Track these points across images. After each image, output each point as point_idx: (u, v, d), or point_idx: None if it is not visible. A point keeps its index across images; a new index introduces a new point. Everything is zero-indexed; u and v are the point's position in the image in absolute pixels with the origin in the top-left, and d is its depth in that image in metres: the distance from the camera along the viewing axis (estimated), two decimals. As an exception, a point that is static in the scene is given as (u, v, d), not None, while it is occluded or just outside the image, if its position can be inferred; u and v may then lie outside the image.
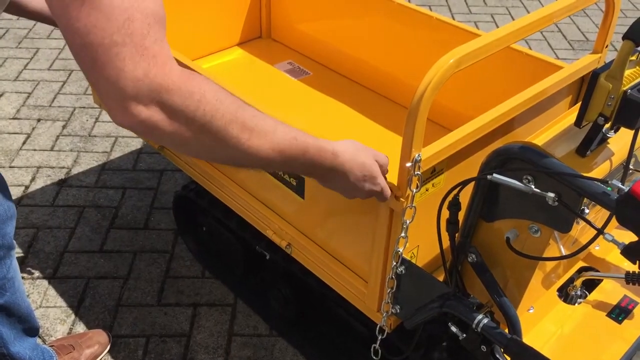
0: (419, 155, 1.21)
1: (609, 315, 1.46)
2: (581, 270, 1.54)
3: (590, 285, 1.55)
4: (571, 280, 1.52)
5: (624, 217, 0.99)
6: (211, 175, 1.84)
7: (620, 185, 0.99)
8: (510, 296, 1.29)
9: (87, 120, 3.04)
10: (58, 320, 2.08)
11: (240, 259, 2.09)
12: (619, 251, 1.03)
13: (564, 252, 1.44)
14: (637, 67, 1.06)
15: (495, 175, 1.11)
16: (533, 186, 1.08)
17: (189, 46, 2.41)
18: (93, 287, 2.20)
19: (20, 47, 3.63)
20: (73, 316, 2.10)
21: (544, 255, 1.20)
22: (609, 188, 1.00)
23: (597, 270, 1.54)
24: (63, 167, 2.74)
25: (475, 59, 1.20)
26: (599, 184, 1.02)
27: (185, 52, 2.37)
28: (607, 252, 1.61)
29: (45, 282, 2.21)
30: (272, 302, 2.04)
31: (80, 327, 2.06)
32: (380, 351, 1.48)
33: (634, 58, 1.08)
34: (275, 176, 1.61)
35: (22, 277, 2.20)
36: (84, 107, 3.12)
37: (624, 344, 1.39)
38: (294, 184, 1.57)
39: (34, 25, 3.84)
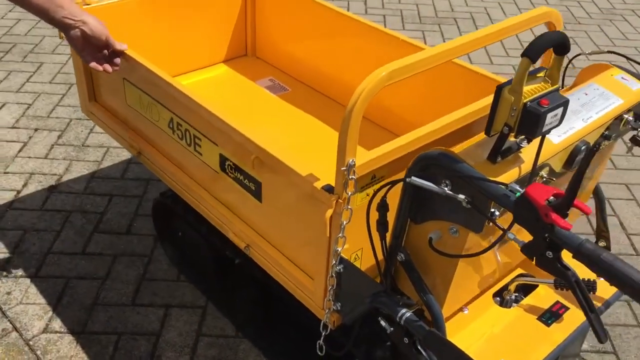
0: (352, 160, 1.32)
1: (539, 318, 1.54)
2: (517, 276, 1.63)
3: (529, 290, 1.64)
4: (507, 285, 1.61)
5: (520, 216, 1.09)
6: (182, 181, 1.96)
7: (518, 188, 1.09)
8: (436, 294, 1.38)
9: (81, 131, 3.18)
10: (36, 317, 2.19)
11: (210, 263, 2.19)
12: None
13: (499, 258, 1.53)
14: (542, 83, 1.16)
15: (413, 178, 1.21)
16: (447, 189, 1.18)
17: (176, 61, 2.54)
18: (72, 286, 2.31)
19: (25, 61, 3.80)
20: (50, 313, 2.20)
21: (476, 258, 1.30)
22: (517, 193, 1.10)
23: (533, 277, 1.62)
24: (55, 174, 2.87)
25: (406, 73, 1.30)
26: (502, 186, 1.12)
27: (173, 66, 2.52)
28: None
29: (27, 281, 2.32)
30: (239, 305, 2.13)
31: (57, 324, 2.16)
32: (324, 347, 1.57)
33: (541, 75, 1.19)
34: (237, 181, 1.72)
35: (5, 276, 2.32)
36: (80, 119, 3.26)
37: (550, 345, 1.47)
38: (253, 188, 1.68)
39: (41, 40, 4.02)
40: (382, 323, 1.38)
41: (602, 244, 1.77)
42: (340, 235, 1.40)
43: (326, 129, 2.29)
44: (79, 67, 2.22)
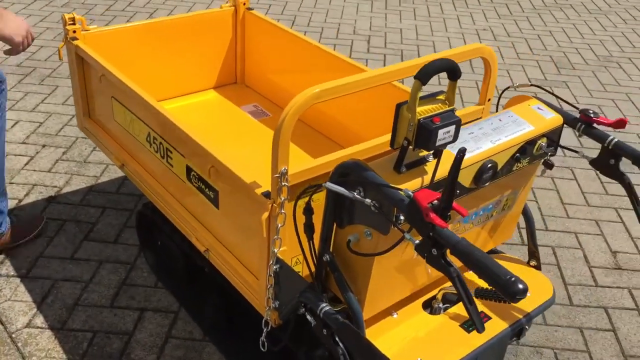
0: (285, 169, 1.49)
1: (461, 325, 1.67)
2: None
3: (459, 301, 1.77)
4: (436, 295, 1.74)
5: (410, 217, 1.24)
6: (157, 191, 2.15)
7: (410, 192, 1.25)
8: (358, 293, 1.53)
9: (85, 149, 3.41)
10: (21, 313, 2.37)
11: (182, 270, 2.36)
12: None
13: (429, 270, 1.68)
14: (440, 104, 1.33)
15: (328, 183, 1.38)
16: (356, 194, 1.34)
17: (169, 85, 2.77)
18: (58, 287, 2.50)
19: (42, 84, 4.08)
20: (35, 310, 2.38)
21: (401, 261, 1.45)
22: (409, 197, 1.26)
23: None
24: (55, 187, 3.09)
25: (333, 94, 1.49)
26: (400, 192, 1.28)
27: (166, 90, 2.76)
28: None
29: (17, 280, 2.52)
30: (206, 311, 2.29)
31: (39, 320, 2.34)
32: (266, 343, 1.72)
33: (441, 97, 1.36)
34: (200, 190, 1.90)
35: (-1, 275, 2.52)
36: (85, 138, 3.49)
37: (467, 349, 1.60)
38: (212, 196, 1.86)
39: (59, 66, 4.31)
40: (308, 317, 1.53)
41: (532, 263, 1.90)
42: (276, 237, 1.56)
43: (295, 150, 2.47)
44: (76, 86, 2.45)
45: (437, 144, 1.30)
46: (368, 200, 1.33)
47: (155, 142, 2.07)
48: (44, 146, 3.42)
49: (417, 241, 1.27)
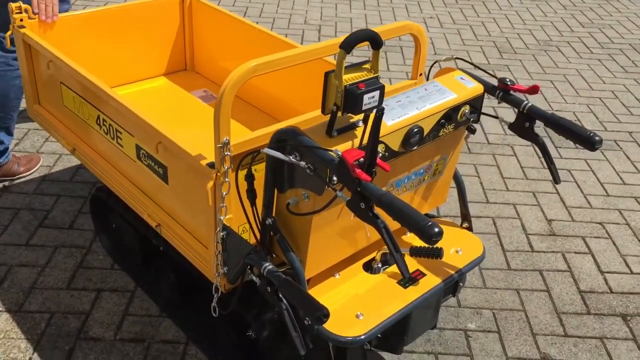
0: (226, 139, 1.59)
1: (399, 282, 1.80)
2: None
3: None
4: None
5: (339, 175, 1.36)
6: (109, 172, 2.22)
7: (339, 152, 1.36)
8: (300, 253, 1.64)
9: (37, 140, 3.43)
10: (-22, 297, 2.41)
11: (138, 250, 2.44)
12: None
13: (368, 232, 1.80)
14: (365, 72, 1.45)
15: (266, 149, 1.48)
16: (292, 158, 1.45)
17: (119, 72, 2.83)
18: (14, 272, 2.54)
19: None
20: (-9, 294, 2.43)
21: (339, 223, 1.57)
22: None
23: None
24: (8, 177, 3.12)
25: (269, 68, 1.59)
26: (329, 152, 1.39)
27: (116, 76, 2.81)
28: (414, 238, 1.97)
29: (-27, 267, 2.55)
30: (162, 287, 2.37)
31: (-4, 304, 2.39)
32: (217, 308, 1.82)
33: (367, 66, 1.48)
34: (150, 167, 1.98)
35: (-48, 261, 2.55)
36: (37, 129, 3.52)
37: (402, 302, 1.73)
38: (161, 172, 1.94)
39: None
40: (253, 278, 1.63)
41: (465, 225, 2.05)
42: (221, 205, 1.66)
43: (236, 126, 2.57)
44: (25, 74, 2.50)
45: (363, 108, 1.41)
46: (302, 163, 1.44)
47: (105, 124, 2.14)
48: (-5, 138, 3.43)
49: (347, 198, 1.39)
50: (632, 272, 2.73)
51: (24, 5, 2.43)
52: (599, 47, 5.24)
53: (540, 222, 3.03)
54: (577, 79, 4.63)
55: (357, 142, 1.50)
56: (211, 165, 1.66)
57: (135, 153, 2.03)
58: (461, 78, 1.78)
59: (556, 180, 1.81)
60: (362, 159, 1.32)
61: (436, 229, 1.23)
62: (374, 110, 1.39)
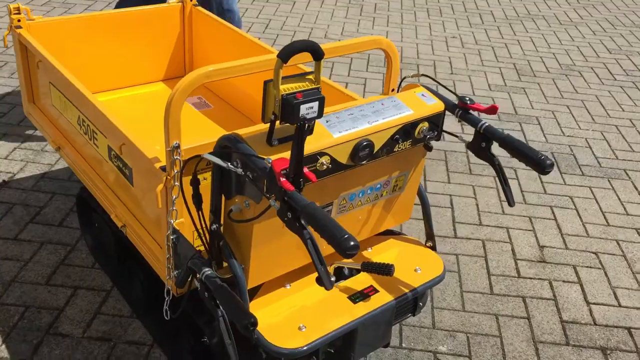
0: (176, 142, 1.60)
1: (349, 297, 1.78)
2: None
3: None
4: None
5: (270, 184, 1.35)
6: (86, 172, 2.26)
7: (269, 159, 1.36)
8: (243, 261, 1.64)
9: (44, 138, 3.53)
10: (-41, 287, 2.48)
11: (114, 250, 2.47)
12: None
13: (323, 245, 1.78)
14: (307, 83, 1.44)
15: (206, 154, 1.49)
16: (230, 165, 1.45)
17: (118, 75, 2.89)
18: (-2, 265, 2.61)
19: (12, 77, 4.20)
20: (-27, 285, 2.50)
21: (286, 233, 1.56)
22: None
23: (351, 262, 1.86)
24: (9, 172, 3.20)
25: (223, 75, 1.60)
26: (263, 160, 1.39)
27: (113, 80, 2.88)
28: (375, 254, 1.94)
29: (-40, 257, 2.63)
30: (133, 288, 2.40)
31: (-24, 294, 2.45)
32: (169, 312, 1.82)
33: (310, 77, 1.47)
34: (118, 168, 2.01)
35: (-60, 250, 2.62)
36: (45, 128, 3.62)
37: (348, 317, 1.70)
38: (127, 173, 1.97)
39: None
40: (196, 283, 1.64)
41: (429, 244, 2.01)
42: (172, 208, 1.67)
43: (212, 127, 2.59)
44: (21, 73, 2.57)
45: (302, 118, 1.40)
46: (239, 170, 1.44)
47: (84, 124, 2.18)
48: (4, 134, 3.53)
49: (278, 207, 1.38)
50: (619, 305, 2.63)
51: (22, 7, 2.51)
52: (624, 74, 5.11)
53: (532, 248, 2.95)
54: (595, 105, 4.52)
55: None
56: (163, 168, 1.68)
57: (107, 154, 2.07)
58: (422, 95, 1.76)
59: (510, 202, 1.76)
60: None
61: (351, 243, 1.21)
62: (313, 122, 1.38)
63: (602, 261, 2.90)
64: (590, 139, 4.05)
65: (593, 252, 2.95)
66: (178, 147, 1.61)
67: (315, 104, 1.42)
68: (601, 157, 3.82)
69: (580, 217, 3.22)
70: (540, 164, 1.59)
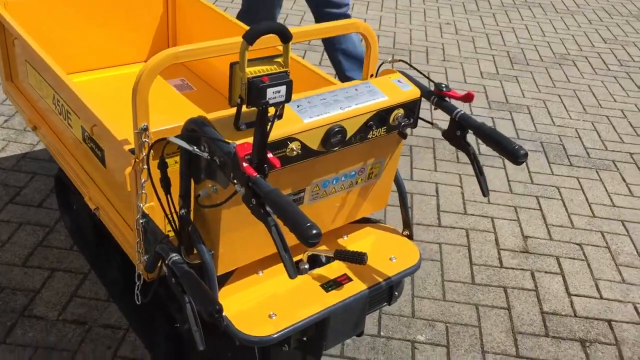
0: (144, 125, 1.57)
1: (322, 285, 1.75)
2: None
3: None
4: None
5: (234, 169, 1.32)
6: (61, 153, 2.22)
7: (234, 144, 1.33)
8: (212, 247, 1.61)
9: (27, 118, 3.48)
10: None
11: (91, 232, 2.44)
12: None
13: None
14: (275, 66, 1.40)
15: (172, 137, 1.45)
16: (195, 148, 1.42)
17: (100, 55, 2.84)
18: (-26, 245, 2.58)
19: None
20: (-52, 265, 2.47)
21: (250, 219, 1.53)
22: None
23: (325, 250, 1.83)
24: (-10, 152, 3.17)
25: (192, 57, 1.56)
26: (228, 145, 1.35)
27: (95, 59, 2.83)
28: (350, 242, 1.91)
29: (-64, 237, 2.60)
30: (110, 272, 2.37)
31: (-49, 274, 2.42)
32: (139, 296, 1.80)
33: (279, 60, 1.43)
34: (91, 150, 1.98)
35: None
36: (29, 108, 3.57)
37: (320, 306, 1.68)
38: (100, 155, 1.93)
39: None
40: (164, 269, 1.61)
41: (405, 232, 1.98)
42: (141, 191, 1.64)
43: (191, 108, 2.55)
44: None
45: (270, 102, 1.37)
46: (205, 154, 1.40)
47: (59, 104, 2.14)
48: (-13, 114, 3.49)
49: (243, 192, 1.35)
50: (601, 297, 2.62)
51: (0, -17, 2.46)
52: (618, 65, 5.07)
53: (516, 238, 2.93)
54: (587, 95, 4.48)
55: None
56: (132, 151, 1.65)
57: (81, 135, 2.03)
58: (398, 81, 1.72)
59: (484, 193, 1.73)
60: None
61: (314, 231, 1.19)
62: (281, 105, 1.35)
63: (585, 253, 2.88)
64: (580, 129, 4.01)
65: (577, 244, 2.93)
66: (146, 129, 1.57)
67: (283, 88, 1.38)
68: (590, 148, 3.79)
69: (565, 208, 3.19)
70: (513, 154, 1.56)
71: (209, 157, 1.40)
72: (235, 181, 1.37)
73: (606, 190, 3.38)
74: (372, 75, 1.97)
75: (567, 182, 3.41)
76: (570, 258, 2.83)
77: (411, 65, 1.82)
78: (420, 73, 1.86)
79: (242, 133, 1.45)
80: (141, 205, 1.66)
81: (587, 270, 2.77)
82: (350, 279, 1.78)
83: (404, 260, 1.87)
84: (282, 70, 1.40)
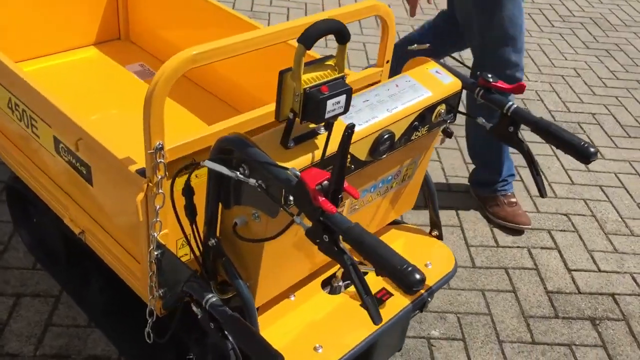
0: (160, 143, 1.31)
1: (362, 304, 1.57)
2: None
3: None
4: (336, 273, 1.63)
5: (298, 200, 1.10)
6: (23, 164, 1.89)
7: (297, 172, 1.11)
8: (249, 280, 1.39)
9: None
10: None
11: (62, 249, 2.13)
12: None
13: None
14: (329, 71, 1.18)
15: (207, 161, 1.21)
16: (239, 174, 1.19)
17: (42, 41, 2.46)
18: None
19: None
20: None
21: (296, 242, 1.32)
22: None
23: (362, 264, 1.65)
24: None
25: (214, 58, 1.30)
26: (285, 171, 1.13)
27: (37, 46, 2.45)
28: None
29: None
30: (90, 293, 2.09)
31: None
32: (151, 334, 1.56)
33: (330, 62, 1.21)
34: (70, 164, 1.68)
35: None
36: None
37: (367, 330, 1.51)
38: (84, 172, 1.64)
39: None
40: (194, 309, 1.38)
41: (434, 233, 1.83)
42: (155, 219, 1.39)
43: (184, 114, 2.26)
44: None
45: (327, 116, 1.15)
46: (252, 181, 1.17)
47: (18, 109, 1.81)
48: None
49: (307, 226, 1.14)
50: (599, 270, 2.60)
51: None
52: (560, 20, 5.08)
53: (505, 214, 2.86)
54: (539, 54, 4.46)
55: (318, 154, 1.24)
56: (141, 172, 1.38)
57: (54, 146, 1.72)
58: (436, 71, 1.54)
59: (542, 193, 1.60)
60: (326, 182, 1.07)
61: (417, 276, 1.00)
62: (342, 120, 1.13)
63: (574, 223, 2.85)
64: (540, 91, 3.98)
65: (564, 214, 2.90)
66: (162, 148, 1.31)
67: (342, 98, 1.17)
68: (554, 111, 3.77)
69: (545, 176, 3.15)
70: (583, 153, 1.43)
71: (256, 184, 1.17)
72: (290, 211, 1.15)
73: (541, 138, 3.35)
74: (387, 62, 1.78)
75: (539, 149, 3.36)
76: (561, 230, 2.80)
77: (453, 57, 1.64)
78: (458, 61, 1.68)
79: (290, 152, 1.22)
80: (155, 235, 1.40)
81: (579, 242, 2.74)
82: (390, 294, 1.61)
83: (440, 266, 1.72)
84: (338, 75, 1.17)
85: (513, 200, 2.74)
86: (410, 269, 1.00)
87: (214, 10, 2.26)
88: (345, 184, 1.07)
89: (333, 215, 1.06)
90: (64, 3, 2.45)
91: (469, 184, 2.92)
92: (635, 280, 2.56)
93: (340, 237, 1.09)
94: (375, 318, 1.14)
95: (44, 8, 2.41)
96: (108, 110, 2.23)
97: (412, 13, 2.62)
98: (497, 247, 2.66)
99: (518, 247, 2.67)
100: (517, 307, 2.38)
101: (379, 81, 1.78)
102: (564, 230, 2.80)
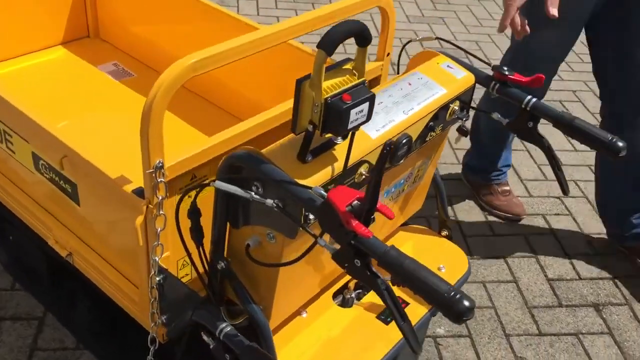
0: (160, 161, 1.18)
1: (378, 317, 1.49)
2: None
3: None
4: (348, 283, 1.54)
5: (324, 222, 1.00)
6: (-2, 182, 1.75)
7: (322, 192, 1.00)
8: (262, 302, 1.28)
9: None
10: None
11: (45, 269, 1.99)
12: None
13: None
14: (348, 76, 1.07)
15: (217, 182, 1.10)
16: (254, 193, 1.08)
17: (4, 43, 2.28)
18: None
19: None
20: None
21: (312, 258, 1.21)
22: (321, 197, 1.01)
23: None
24: None
25: (217, 63, 1.18)
26: (307, 190, 1.02)
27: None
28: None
29: None
30: (78, 313, 1.95)
31: None
32: (154, 362, 1.44)
33: (348, 66, 1.10)
34: (53, 182, 1.54)
35: None
36: None
37: (387, 345, 1.42)
38: (70, 190, 1.50)
39: None
40: (205, 338, 1.27)
41: (444, 233, 1.75)
42: (156, 243, 1.27)
43: (179, 124, 2.11)
44: None
45: (350, 126, 1.05)
46: (269, 201, 1.06)
47: (-12, 123, 1.65)
48: None
49: (334, 249, 1.04)
50: (598, 254, 2.57)
51: None
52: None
53: (498, 200, 2.80)
54: (468, 15, 4.42)
55: (338, 166, 1.14)
56: (139, 193, 1.26)
57: (33, 163, 1.57)
58: (448, 66, 1.44)
59: (564, 191, 1.53)
60: (356, 202, 0.96)
61: (466, 303, 0.91)
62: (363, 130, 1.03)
63: (567, 206, 2.81)
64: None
65: (556, 197, 2.86)
66: (162, 166, 1.19)
67: (365, 106, 1.06)
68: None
69: (533, 159, 3.11)
70: (611, 148, 1.35)
71: (274, 205, 1.06)
72: (312, 231, 1.05)
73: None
74: (388, 55, 1.67)
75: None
76: (555, 214, 2.76)
77: (456, 45, 1.54)
78: (468, 53, 1.59)
79: (308, 167, 1.11)
80: (157, 259, 1.28)
81: (574, 225, 2.71)
82: (407, 303, 1.53)
83: (454, 269, 1.64)
84: (359, 81, 1.07)
85: (506, 188, 2.69)
86: (458, 296, 0.91)
87: (187, 1, 2.12)
88: (379, 204, 0.97)
89: (367, 240, 0.96)
90: (24, 0, 2.27)
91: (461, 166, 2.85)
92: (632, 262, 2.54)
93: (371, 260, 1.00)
94: (416, 347, 1.05)
95: (2, 7, 2.22)
96: (84, 116, 2.08)
97: (502, 28, 1.90)
98: (494, 236, 2.60)
99: (515, 234, 2.62)
100: (520, 298, 2.33)
101: (380, 75, 1.68)
102: (558, 214, 2.76)
